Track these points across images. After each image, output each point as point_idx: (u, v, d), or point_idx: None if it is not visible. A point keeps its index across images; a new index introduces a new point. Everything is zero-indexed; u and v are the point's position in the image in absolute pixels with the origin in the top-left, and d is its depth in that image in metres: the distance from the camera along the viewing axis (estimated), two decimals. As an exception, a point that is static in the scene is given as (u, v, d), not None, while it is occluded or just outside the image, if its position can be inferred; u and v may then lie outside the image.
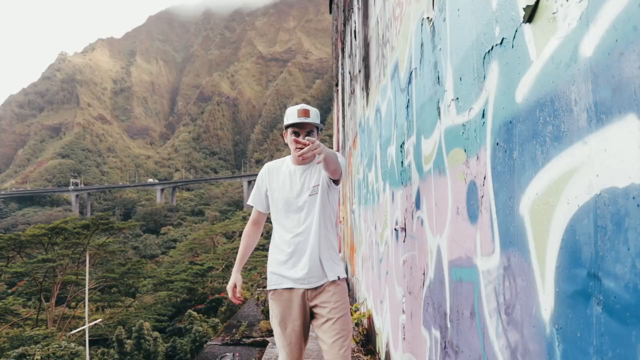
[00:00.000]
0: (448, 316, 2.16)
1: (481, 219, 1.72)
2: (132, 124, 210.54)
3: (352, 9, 7.18)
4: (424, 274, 2.64)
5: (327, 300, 2.59)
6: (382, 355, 4.24)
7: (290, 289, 2.66)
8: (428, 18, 2.44)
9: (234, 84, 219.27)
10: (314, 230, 2.66)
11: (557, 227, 1.18)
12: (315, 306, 2.63)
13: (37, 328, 26.93)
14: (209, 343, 5.81)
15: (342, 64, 9.80)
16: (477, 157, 1.75)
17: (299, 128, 2.70)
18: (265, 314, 7.70)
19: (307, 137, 2.60)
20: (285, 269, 2.68)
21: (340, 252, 11.05)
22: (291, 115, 2.72)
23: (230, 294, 2.80)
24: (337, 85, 11.94)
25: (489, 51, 1.61)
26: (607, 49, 0.97)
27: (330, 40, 16.75)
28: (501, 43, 1.50)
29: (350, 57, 7.71)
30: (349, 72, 7.75)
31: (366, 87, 5.39)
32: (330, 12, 14.89)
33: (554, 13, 1.18)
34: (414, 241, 2.90)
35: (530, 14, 1.30)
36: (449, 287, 2.14)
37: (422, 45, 2.60)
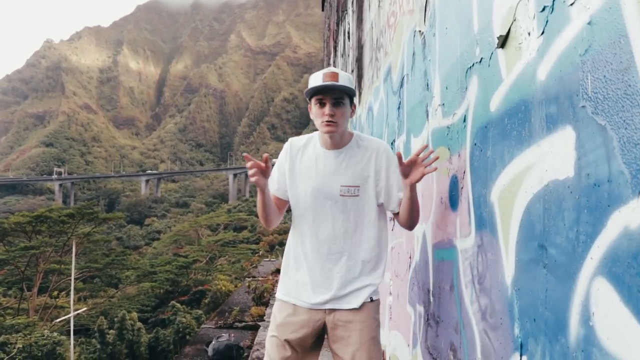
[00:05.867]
0: (431, 292, 2.50)
1: (461, 207, 2.05)
2: (118, 113, 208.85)
3: (346, 10, 7.48)
4: (410, 257, 2.98)
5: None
6: (369, 337, 4.59)
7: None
8: (420, 31, 2.76)
9: (221, 76, 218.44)
10: (348, 244, 2.22)
11: (517, 210, 1.51)
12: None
13: (18, 317, 26.88)
14: (203, 326, 6.12)
15: (334, 62, 10.10)
16: (459, 155, 2.08)
17: (323, 95, 2.16)
18: (256, 300, 8.03)
19: (335, 109, 2.14)
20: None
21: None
22: (314, 79, 2.19)
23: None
24: (328, 82, 12.22)
25: (470, 67, 1.94)
26: (555, 76, 1.30)
27: (322, 36, 17.02)
28: (480, 62, 1.83)
29: (342, 56, 8.02)
30: (341, 71, 8.06)
31: (359, 87, 5.71)
32: (323, 10, 15.15)
33: (519, 44, 1.51)
34: (402, 229, 3.23)
35: (503, 42, 1.62)
36: (432, 267, 2.47)
37: (413, 54, 2.93)
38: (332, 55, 10.72)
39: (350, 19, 6.90)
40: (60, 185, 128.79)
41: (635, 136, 0.98)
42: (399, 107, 3.36)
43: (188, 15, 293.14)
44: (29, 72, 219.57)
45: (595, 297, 1.10)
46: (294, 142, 2.36)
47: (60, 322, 24.76)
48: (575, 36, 1.20)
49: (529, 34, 1.45)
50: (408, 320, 3.02)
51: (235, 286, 30.19)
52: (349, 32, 7.02)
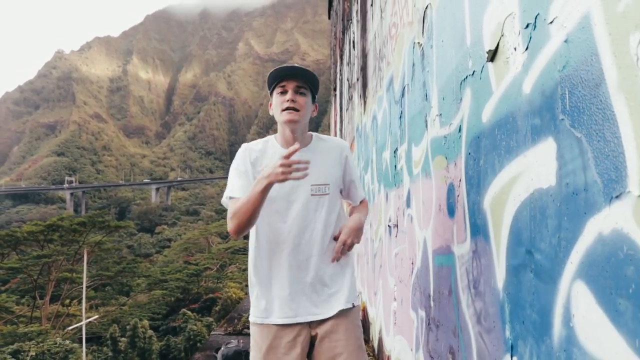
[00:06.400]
0: (432, 297, 2.56)
1: (457, 214, 2.12)
2: (128, 122, 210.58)
3: (351, 19, 7.58)
4: (412, 263, 3.04)
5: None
6: (375, 342, 4.64)
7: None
8: (419, 43, 2.83)
9: (230, 84, 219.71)
10: (318, 246, 2.11)
11: (507, 217, 1.58)
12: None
13: (31, 325, 27.11)
14: (212, 333, 6.20)
15: (340, 70, 10.20)
16: (455, 164, 2.15)
17: (286, 80, 2.07)
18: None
19: (297, 96, 2.06)
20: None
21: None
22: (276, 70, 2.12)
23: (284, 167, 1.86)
24: (334, 89, 12.33)
25: (464, 79, 2.01)
26: (538, 90, 1.37)
27: (329, 44, 17.14)
28: (472, 74, 1.90)
29: (348, 65, 8.11)
30: (347, 80, 8.15)
31: (364, 96, 5.79)
32: (329, 18, 15.27)
33: (507, 58, 1.58)
34: (405, 235, 3.30)
35: (492, 56, 1.69)
36: (433, 272, 2.53)
37: (413, 65, 3.00)
38: (338, 64, 10.82)
39: (355, 28, 6.99)
40: (72, 194, 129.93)
41: (606, 148, 1.05)
42: (400, 117, 3.43)
43: (196, 24, 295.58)
44: (41, 83, 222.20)
45: (575, 299, 1.17)
46: (250, 148, 2.18)
47: (72, 330, 24.96)
48: (555, 53, 1.27)
49: (515, 49, 1.52)
50: (411, 324, 3.07)
51: (246, 293, 30.29)
52: (354, 41, 7.11)
